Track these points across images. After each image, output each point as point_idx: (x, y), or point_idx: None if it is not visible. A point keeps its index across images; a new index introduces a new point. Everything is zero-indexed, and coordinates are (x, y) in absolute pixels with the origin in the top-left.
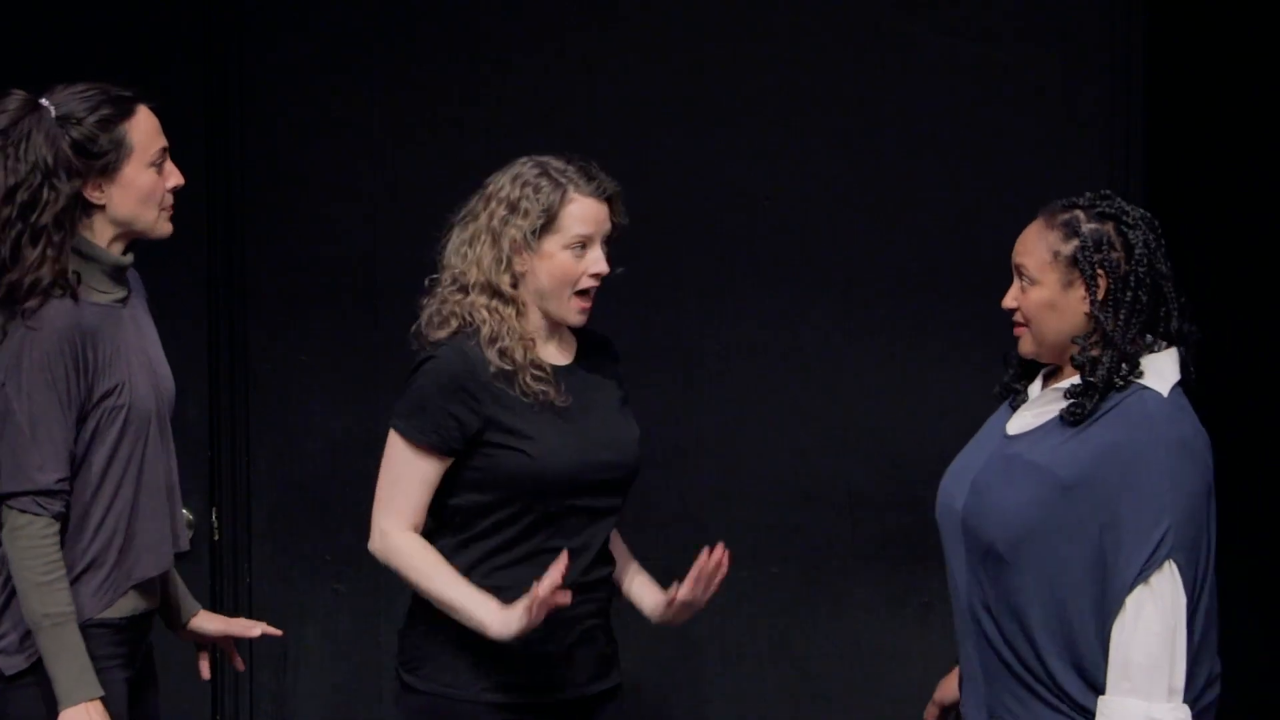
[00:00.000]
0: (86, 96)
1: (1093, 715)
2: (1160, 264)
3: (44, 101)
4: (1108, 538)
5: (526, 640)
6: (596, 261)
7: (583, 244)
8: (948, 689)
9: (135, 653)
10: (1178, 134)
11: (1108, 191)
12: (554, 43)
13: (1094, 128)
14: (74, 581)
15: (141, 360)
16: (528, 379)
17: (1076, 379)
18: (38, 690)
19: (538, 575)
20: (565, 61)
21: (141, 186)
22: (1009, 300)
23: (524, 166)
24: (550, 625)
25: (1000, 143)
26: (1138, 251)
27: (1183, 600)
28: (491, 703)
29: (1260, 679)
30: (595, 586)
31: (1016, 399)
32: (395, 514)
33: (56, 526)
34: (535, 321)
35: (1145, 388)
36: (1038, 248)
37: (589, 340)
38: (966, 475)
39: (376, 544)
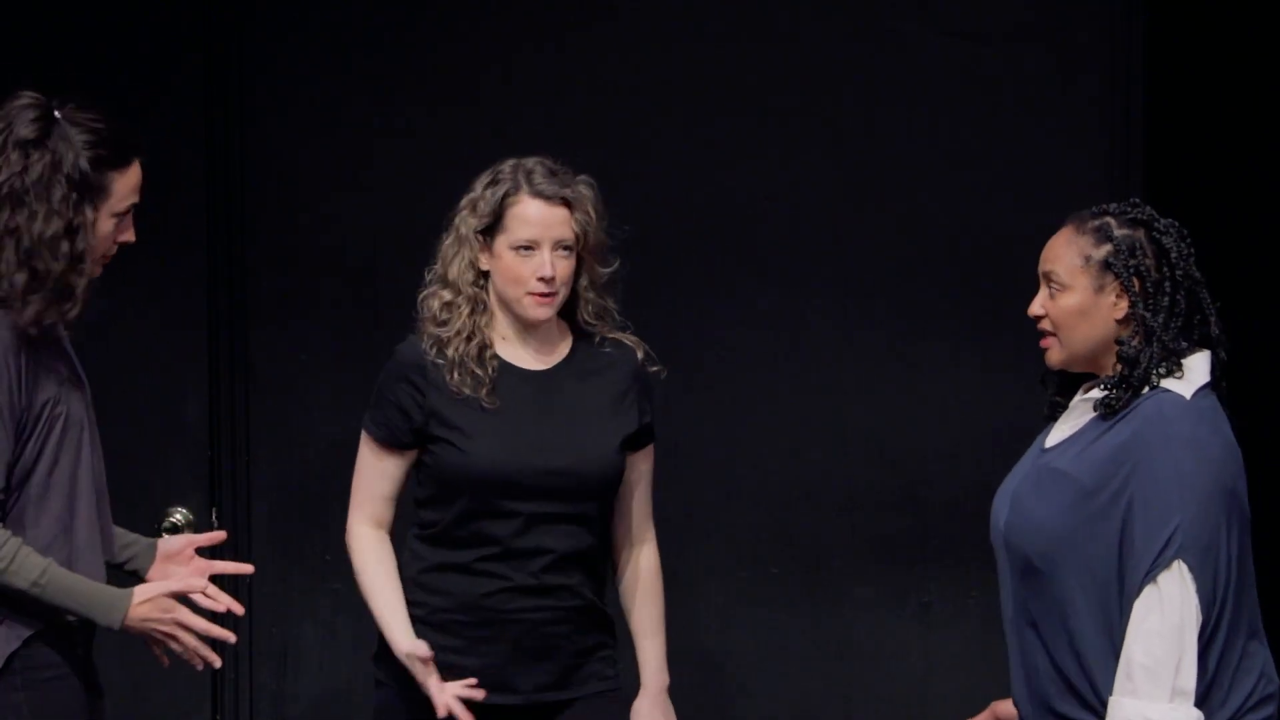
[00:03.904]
0: (93, 129)
1: None
2: (1194, 270)
3: (56, 113)
4: (1125, 538)
5: (472, 639)
6: (541, 266)
7: (528, 246)
8: (1008, 705)
9: (85, 658)
10: (1178, 134)
11: (1136, 200)
12: (554, 42)
13: (1094, 128)
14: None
15: (69, 368)
16: (455, 374)
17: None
18: (4, 699)
19: (473, 588)
20: (565, 61)
21: (99, 233)
22: (1035, 308)
23: (499, 165)
24: (498, 628)
25: (1000, 143)
26: (1173, 256)
27: (1193, 601)
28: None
29: None
30: (553, 592)
31: (1059, 414)
32: (357, 507)
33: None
34: (502, 320)
35: (1166, 390)
36: (1068, 253)
37: (595, 347)
38: (1009, 492)
39: (347, 537)
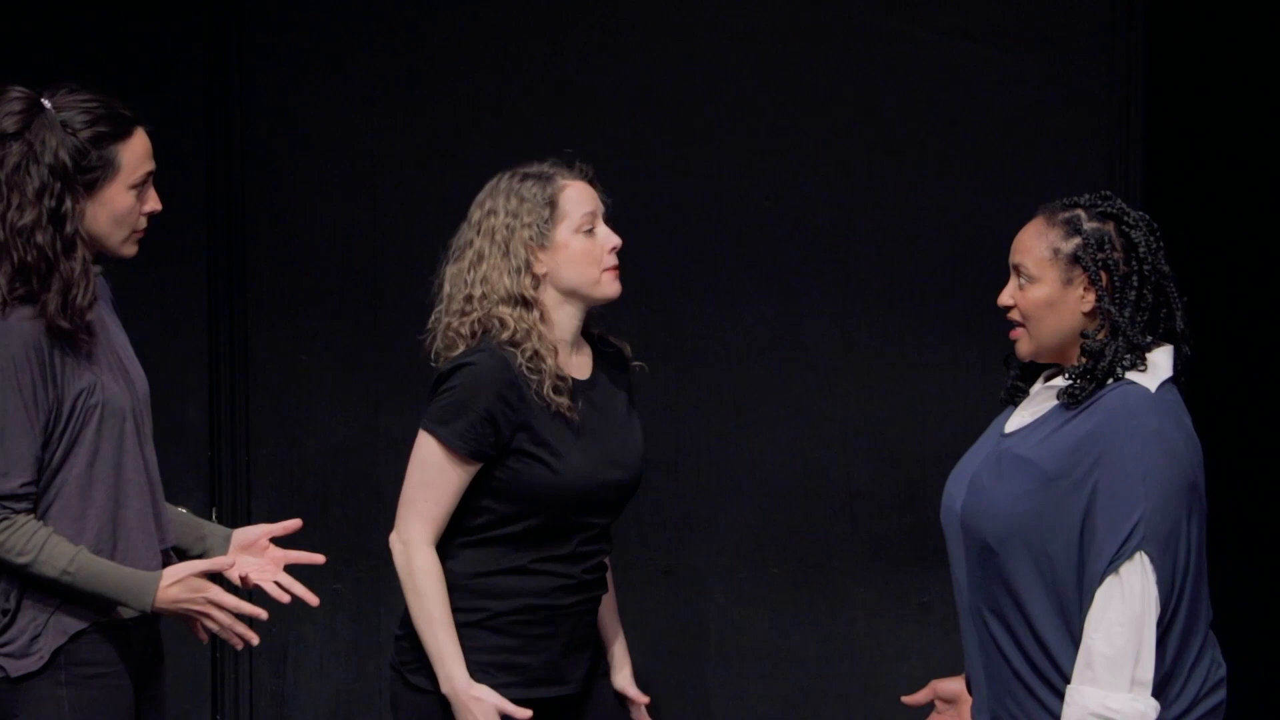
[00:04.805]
0: (88, 108)
1: None
2: (1162, 264)
3: (45, 102)
4: (1086, 527)
5: (531, 637)
6: (609, 236)
7: (590, 225)
8: (949, 684)
9: (142, 655)
10: (1178, 134)
11: (1108, 193)
12: (554, 43)
13: (1094, 128)
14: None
15: (111, 360)
16: (548, 389)
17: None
18: (47, 693)
19: (534, 588)
20: (565, 61)
21: (118, 208)
22: (1004, 298)
23: (501, 179)
24: (556, 624)
25: (1000, 143)
26: (1141, 250)
27: (1153, 593)
28: None
29: (1263, 681)
30: (594, 586)
31: (1018, 398)
32: (423, 521)
33: (29, 514)
34: (561, 328)
35: (1131, 383)
36: (1037, 245)
37: (603, 351)
38: (966, 475)
39: (398, 551)
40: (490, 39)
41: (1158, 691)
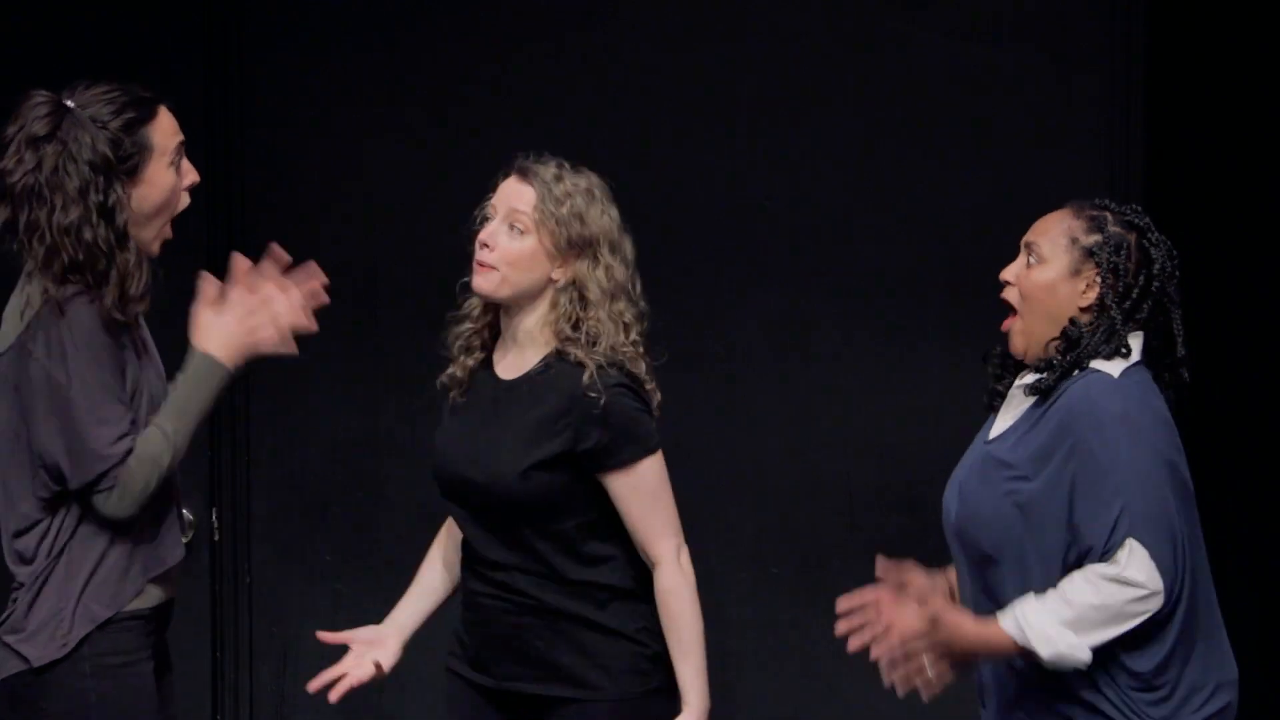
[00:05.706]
0: (111, 98)
1: (1098, 708)
2: (1172, 288)
3: (68, 102)
4: (1071, 521)
5: (464, 619)
6: (487, 233)
7: (487, 217)
8: (919, 577)
9: (160, 643)
10: (1178, 134)
11: (1139, 207)
12: (555, 43)
13: (1094, 128)
14: (111, 567)
15: (144, 347)
16: (449, 364)
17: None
18: (72, 682)
19: (461, 570)
20: (566, 61)
21: (163, 186)
22: (1008, 273)
23: None
24: (472, 610)
25: (1000, 143)
26: (1154, 268)
27: (1143, 577)
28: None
29: (1261, 681)
30: (503, 586)
31: (997, 402)
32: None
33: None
34: (502, 322)
35: (1095, 370)
36: (1056, 229)
37: (559, 365)
38: (957, 484)
39: None
40: (490, 39)
41: (1151, 683)
